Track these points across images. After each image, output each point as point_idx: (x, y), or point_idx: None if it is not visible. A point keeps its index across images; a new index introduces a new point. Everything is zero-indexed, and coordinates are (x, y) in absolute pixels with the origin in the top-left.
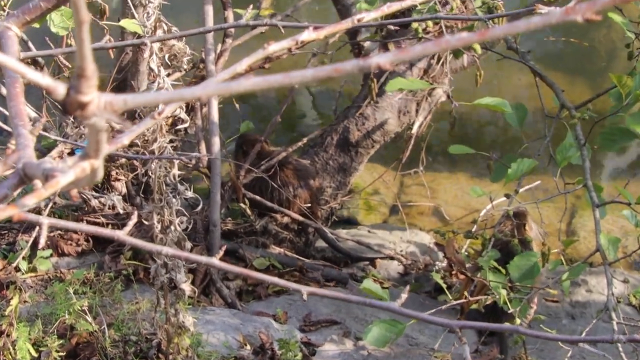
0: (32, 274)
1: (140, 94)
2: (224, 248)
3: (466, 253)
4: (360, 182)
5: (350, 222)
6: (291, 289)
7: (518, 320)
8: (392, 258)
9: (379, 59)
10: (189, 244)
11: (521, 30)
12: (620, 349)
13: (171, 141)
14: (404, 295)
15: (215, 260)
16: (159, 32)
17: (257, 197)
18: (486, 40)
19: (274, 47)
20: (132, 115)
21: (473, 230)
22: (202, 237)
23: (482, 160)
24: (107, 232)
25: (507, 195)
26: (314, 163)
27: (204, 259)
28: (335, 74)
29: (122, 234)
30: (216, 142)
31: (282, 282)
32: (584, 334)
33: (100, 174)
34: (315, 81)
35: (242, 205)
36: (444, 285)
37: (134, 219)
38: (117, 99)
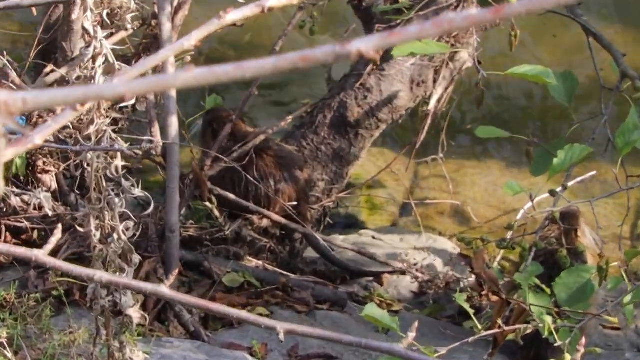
0: None
1: (46, 92)
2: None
3: (499, 267)
4: (362, 173)
5: (349, 226)
6: (263, 326)
7: (568, 356)
8: (403, 273)
9: (361, 45)
10: (137, 258)
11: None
12: None
13: (114, 122)
14: (412, 335)
15: (164, 289)
16: None
17: (228, 194)
18: (501, 18)
19: (233, 16)
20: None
21: (508, 237)
22: (156, 247)
23: (519, 146)
24: (21, 251)
25: (552, 192)
26: (302, 149)
27: (149, 286)
28: (303, 64)
29: (41, 255)
30: (173, 121)
31: (250, 317)
32: None
33: (1, 187)
34: (277, 73)
35: (207, 204)
36: (471, 310)
37: (57, 235)
38: (14, 98)
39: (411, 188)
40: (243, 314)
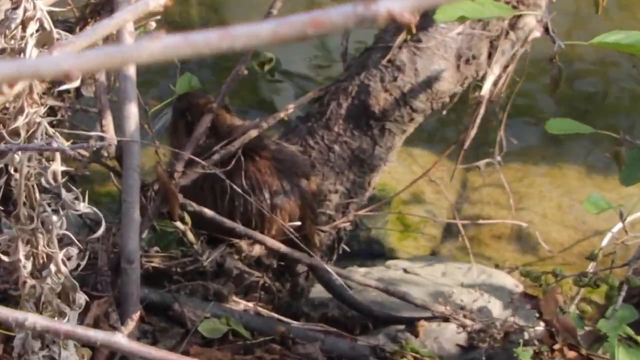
0: None
1: None
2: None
3: (578, 312)
4: (392, 182)
5: (372, 255)
6: None
7: None
8: (446, 319)
9: (392, 3)
10: (82, 297)
11: None
12: None
13: (51, 111)
14: None
15: (120, 339)
16: None
17: (207, 210)
18: None
19: None
20: None
21: (590, 270)
22: (108, 283)
23: (605, 145)
24: None
25: None
26: (308, 149)
27: (100, 335)
28: (312, 30)
29: None
30: (132, 111)
31: None
32: None
33: None
34: (276, 43)
35: (179, 224)
36: None
37: None
38: None
39: (457, 203)
40: None
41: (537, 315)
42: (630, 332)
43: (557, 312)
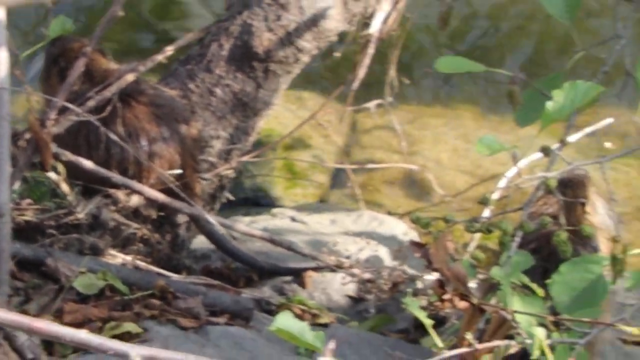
0: None
1: None
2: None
3: (471, 259)
4: (278, 127)
5: (257, 203)
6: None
7: None
8: (335, 269)
9: None
10: None
11: None
12: None
13: None
14: None
15: None
16: None
17: (82, 160)
18: None
19: None
20: None
21: (484, 215)
22: None
23: (501, 85)
24: None
25: (545, 150)
26: (188, 93)
27: None
28: None
29: None
30: (1, 57)
31: (93, 340)
32: None
33: None
34: None
35: (52, 175)
36: (429, 321)
37: None
38: None
39: (347, 147)
40: (82, 335)
41: (427, 263)
42: (525, 279)
43: (447, 260)
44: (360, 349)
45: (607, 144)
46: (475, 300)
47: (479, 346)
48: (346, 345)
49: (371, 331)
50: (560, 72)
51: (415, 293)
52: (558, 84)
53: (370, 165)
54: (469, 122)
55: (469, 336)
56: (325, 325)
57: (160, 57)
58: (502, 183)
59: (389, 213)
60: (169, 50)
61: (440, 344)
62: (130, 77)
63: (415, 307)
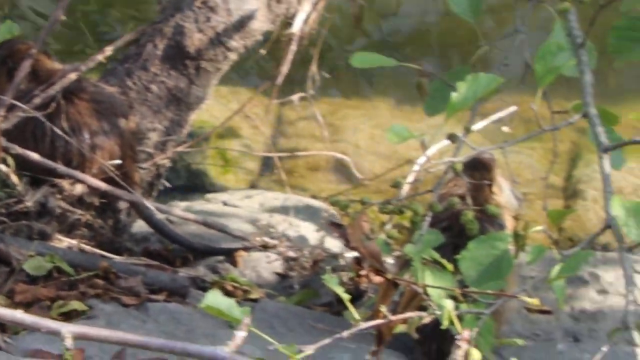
0: None
1: None
2: None
3: (387, 238)
4: (210, 119)
5: (192, 189)
6: (43, 330)
7: (476, 353)
8: (264, 248)
9: None
10: None
11: None
12: None
13: None
14: (240, 334)
15: None
16: None
17: (29, 152)
18: None
19: None
20: None
21: (397, 198)
22: None
23: (413, 78)
24: None
25: (451, 137)
26: (126, 90)
27: None
28: None
29: None
30: None
31: (26, 319)
32: None
33: None
34: None
35: (2, 167)
36: (346, 296)
37: None
38: None
39: (274, 137)
40: (17, 315)
41: (344, 242)
42: (436, 255)
43: (362, 239)
44: (288, 322)
45: (505, 129)
46: (389, 275)
47: (393, 318)
48: (275, 319)
49: (297, 305)
50: (464, 66)
51: (336, 269)
52: (462, 76)
53: (296, 153)
54: (384, 113)
55: (384, 309)
56: (255, 300)
57: (100, 57)
58: (414, 168)
59: (313, 197)
60: (108, 49)
61: (357, 316)
62: (72, 76)
63: (333, 283)
